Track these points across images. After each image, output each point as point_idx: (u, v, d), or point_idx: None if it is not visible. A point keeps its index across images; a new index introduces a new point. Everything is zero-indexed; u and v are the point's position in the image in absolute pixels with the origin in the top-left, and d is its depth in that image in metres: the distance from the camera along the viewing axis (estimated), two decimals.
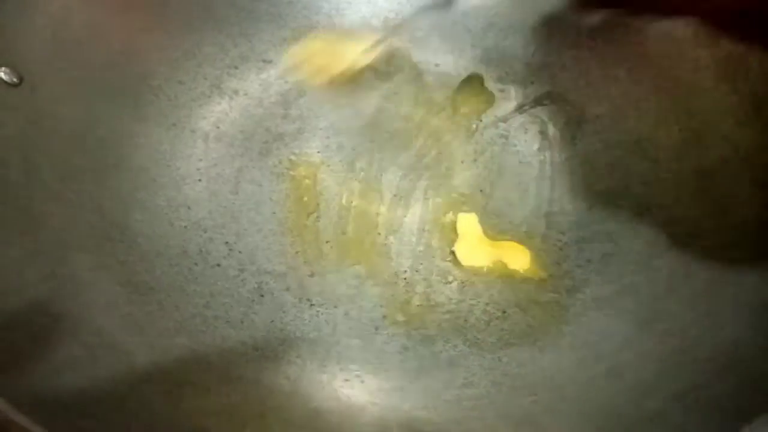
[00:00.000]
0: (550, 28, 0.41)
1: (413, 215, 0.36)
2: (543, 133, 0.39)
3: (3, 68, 0.33)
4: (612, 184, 0.36)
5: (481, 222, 0.36)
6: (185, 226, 0.36)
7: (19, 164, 0.33)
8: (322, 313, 0.33)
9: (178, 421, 0.27)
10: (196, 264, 0.35)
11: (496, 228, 0.36)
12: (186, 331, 0.31)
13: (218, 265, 0.35)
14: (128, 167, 0.37)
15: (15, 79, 0.34)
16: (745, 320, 0.26)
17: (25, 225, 0.31)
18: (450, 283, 0.34)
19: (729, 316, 0.26)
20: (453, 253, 0.35)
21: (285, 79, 0.42)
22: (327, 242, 0.36)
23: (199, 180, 0.38)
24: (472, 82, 0.42)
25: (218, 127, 0.40)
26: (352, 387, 0.30)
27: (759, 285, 0.27)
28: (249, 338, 0.32)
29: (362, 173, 0.38)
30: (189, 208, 0.37)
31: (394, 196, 0.37)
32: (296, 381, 0.30)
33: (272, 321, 0.33)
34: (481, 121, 0.40)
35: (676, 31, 0.35)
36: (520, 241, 0.35)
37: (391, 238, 0.36)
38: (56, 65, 0.36)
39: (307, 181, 0.38)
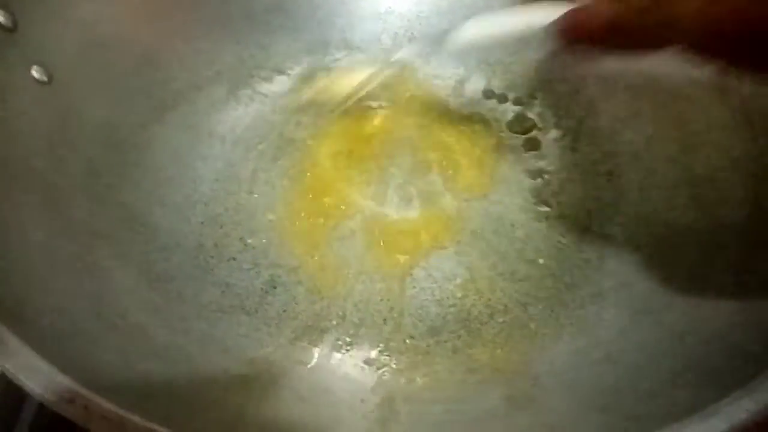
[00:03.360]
0: (552, 47, 0.43)
1: (420, 215, 0.38)
2: (543, 144, 0.41)
3: (35, 66, 0.35)
4: (610, 192, 0.38)
5: (482, 225, 0.38)
6: (202, 222, 0.38)
7: (46, 155, 0.34)
8: (332, 305, 0.35)
9: (196, 395, 0.28)
10: (212, 257, 0.36)
11: (496, 232, 0.38)
12: (204, 317, 0.33)
13: (233, 258, 0.36)
14: (149, 165, 0.39)
15: (45, 78, 0.36)
16: (732, 310, 0.28)
17: (52, 212, 0.33)
18: (454, 279, 0.36)
19: (717, 307, 0.28)
20: None
21: (298, 88, 0.44)
22: (337, 240, 0.37)
23: (216, 180, 0.40)
24: (477, 95, 0.44)
25: (234, 131, 0.42)
26: (361, 370, 0.32)
27: (747, 279, 0.29)
28: (263, 325, 0.33)
29: (370, 176, 0.40)
30: (206, 205, 0.39)
31: (401, 198, 0.39)
32: (309, 364, 0.32)
33: (285, 311, 0.34)
34: (484, 129, 0.42)
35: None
36: (518, 246, 0.37)
37: (399, 237, 0.37)
38: (84, 67, 0.38)
39: (318, 183, 0.40)
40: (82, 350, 0.27)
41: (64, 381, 0.23)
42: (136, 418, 0.22)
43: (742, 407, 0.21)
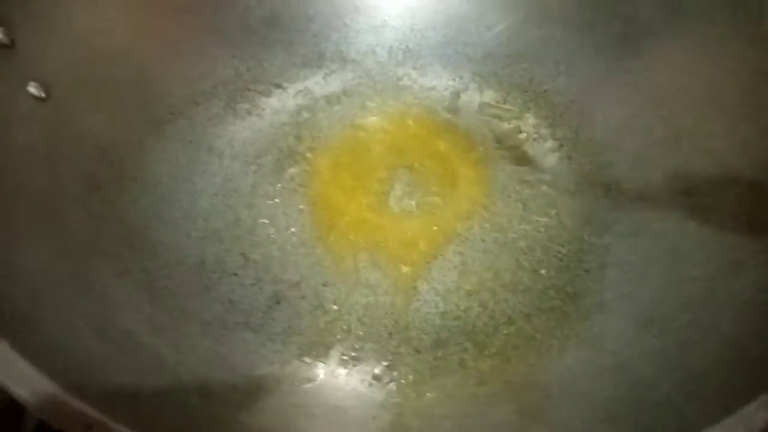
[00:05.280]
0: (546, 57, 0.44)
1: (421, 227, 0.38)
2: (540, 155, 0.42)
3: (32, 83, 0.35)
4: (607, 201, 0.38)
5: (483, 236, 0.38)
6: (202, 237, 0.37)
7: (45, 172, 0.34)
8: (337, 320, 0.35)
9: (206, 414, 0.28)
10: (214, 272, 0.36)
11: (496, 242, 0.38)
12: (209, 334, 0.33)
13: (235, 274, 0.36)
14: (147, 180, 0.38)
15: (43, 94, 0.35)
16: (738, 317, 0.28)
17: (51, 230, 0.32)
18: (457, 291, 0.36)
19: (723, 316, 0.29)
20: None
21: (296, 101, 0.44)
22: (339, 253, 0.37)
23: (215, 194, 0.39)
24: (473, 107, 0.45)
25: (232, 146, 0.42)
26: (369, 386, 0.32)
27: (747, 288, 0.29)
28: (269, 342, 0.33)
29: (370, 189, 0.40)
30: (206, 220, 0.38)
31: (402, 210, 0.39)
32: (316, 381, 0.32)
33: (290, 326, 0.34)
34: (480, 141, 0.42)
35: (667, 63, 0.38)
36: (519, 257, 0.37)
37: (401, 249, 0.37)
38: (81, 82, 0.37)
39: (319, 196, 0.40)
40: (88, 368, 0.27)
41: (72, 402, 0.23)
42: None
43: (757, 419, 0.22)
